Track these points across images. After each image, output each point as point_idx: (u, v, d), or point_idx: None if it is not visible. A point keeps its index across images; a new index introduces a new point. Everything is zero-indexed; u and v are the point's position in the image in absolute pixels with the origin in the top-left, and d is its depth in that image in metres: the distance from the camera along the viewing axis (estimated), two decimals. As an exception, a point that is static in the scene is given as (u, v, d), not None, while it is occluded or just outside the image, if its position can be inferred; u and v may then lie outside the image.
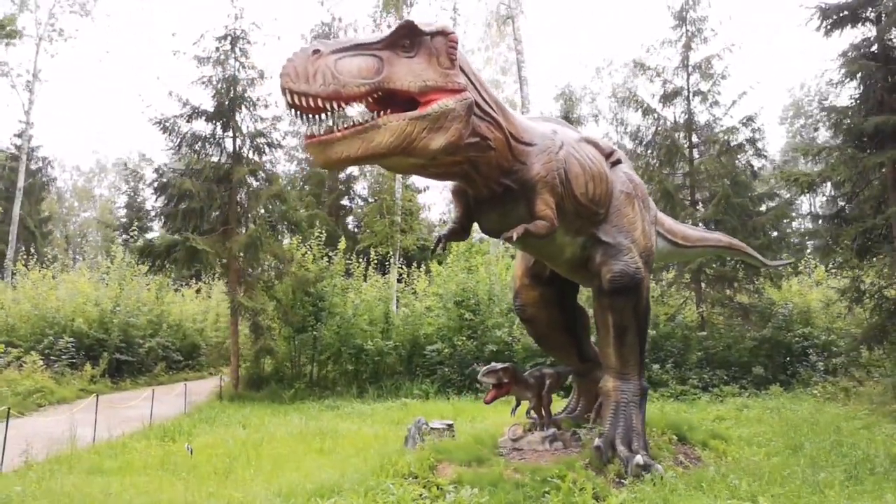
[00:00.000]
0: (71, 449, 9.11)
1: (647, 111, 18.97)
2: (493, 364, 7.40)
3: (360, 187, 32.53)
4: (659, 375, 14.99)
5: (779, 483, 6.14)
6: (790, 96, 56.39)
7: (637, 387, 7.18)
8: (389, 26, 23.79)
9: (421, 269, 22.61)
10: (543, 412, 7.62)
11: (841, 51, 10.75)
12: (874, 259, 10.88)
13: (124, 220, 40.17)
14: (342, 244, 19.67)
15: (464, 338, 16.99)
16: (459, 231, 6.84)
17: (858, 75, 10.35)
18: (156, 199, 18.56)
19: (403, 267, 22.92)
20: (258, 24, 18.27)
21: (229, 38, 17.69)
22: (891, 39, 10.56)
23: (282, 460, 8.28)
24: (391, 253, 22.84)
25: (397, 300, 20.43)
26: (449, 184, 7.09)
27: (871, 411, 11.47)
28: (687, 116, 18.67)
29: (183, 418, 12.78)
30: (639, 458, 6.41)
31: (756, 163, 18.93)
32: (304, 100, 4.86)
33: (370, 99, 5.15)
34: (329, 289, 18.08)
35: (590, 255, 7.15)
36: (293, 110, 5.02)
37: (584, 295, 10.49)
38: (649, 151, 19.13)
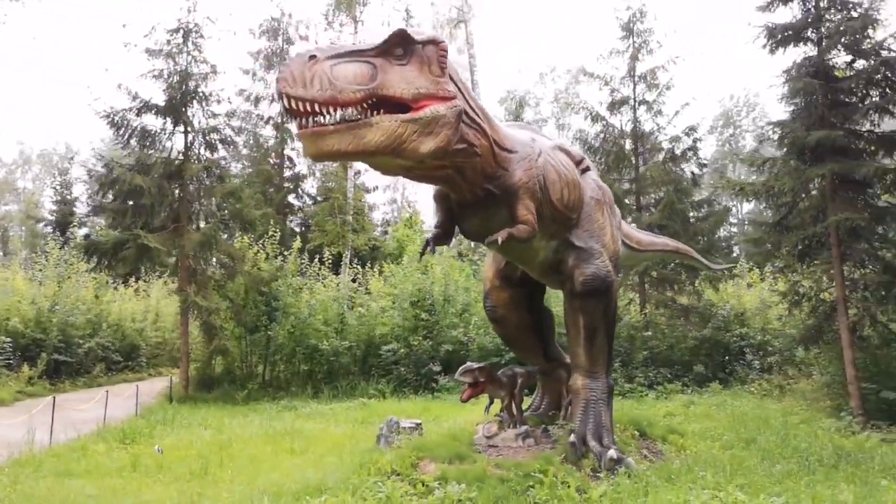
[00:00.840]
0: (30, 452, 8.82)
1: (595, 118, 19.57)
2: (469, 364, 7.59)
3: (309, 186, 32.10)
4: (608, 374, 15.47)
5: (741, 474, 6.57)
6: (720, 106, 59.08)
7: (605, 384, 7.50)
8: (342, 24, 23.79)
9: (374, 269, 22.62)
10: (515, 410, 7.86)
11: (785, 68, 11.49)
12: (812, 264, 11.64)
13: (56, 214, 38.42)
14: (297, 243, 19.48)
15: (419, 338, 17.12)
16: (443, 235, 7.00)
17: (801, 92, 11.08)
18: (102, 195, 17.94)
19: (358, 266, 22.80)
20: (212, 18, 17.97)
21: (182, 31, 17.30)
22: (831, 59, 11.35)
23: (256, 461, 8.25)
24: (344, 253, 22.73)
25: (351, 299, 20.34)
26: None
27: (806, 407, 12.25)
28: (633, 125, 19.35)
29: (136, 420, 12.46)
30: (612, 453, 6.72)
31: (696, 170, 19.80)
32: (301, 104, 4.97)
33: (364, 105, 5.27)
34: (284, 288, 17.92)
35: (562, 259, 7.42)
36: (290, 114, 5.14)
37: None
38: (597, 157, 19.73)
